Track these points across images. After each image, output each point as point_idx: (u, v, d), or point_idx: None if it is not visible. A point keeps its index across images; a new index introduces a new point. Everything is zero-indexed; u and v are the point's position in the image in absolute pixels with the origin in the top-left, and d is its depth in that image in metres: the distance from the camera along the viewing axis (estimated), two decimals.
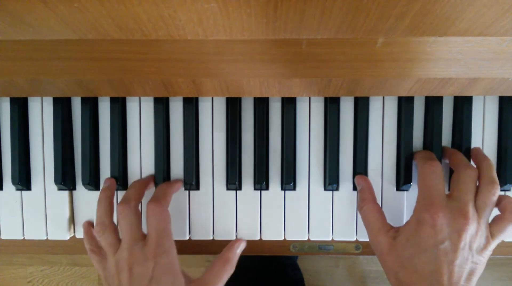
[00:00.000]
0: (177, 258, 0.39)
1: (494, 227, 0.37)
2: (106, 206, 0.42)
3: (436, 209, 0.36)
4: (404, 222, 0.44)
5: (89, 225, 0.44)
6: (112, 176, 0.44)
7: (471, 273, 0.36)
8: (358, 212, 0.43)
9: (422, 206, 0.37)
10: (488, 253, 0.36)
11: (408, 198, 0.43)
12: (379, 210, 0.40)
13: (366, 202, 0.41)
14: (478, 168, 0.39)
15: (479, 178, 0.39)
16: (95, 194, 0.44)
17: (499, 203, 0.38)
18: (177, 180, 0.43)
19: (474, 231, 0.35)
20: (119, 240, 0.40)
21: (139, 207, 0.42)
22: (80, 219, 0.45)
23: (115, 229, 0.41)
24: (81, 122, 0.43)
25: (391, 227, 0.39)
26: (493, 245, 0.37)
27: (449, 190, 0.40)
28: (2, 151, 0.44)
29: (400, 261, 0.37)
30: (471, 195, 0.37)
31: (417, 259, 0.36)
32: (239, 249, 0.42)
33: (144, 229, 0.41)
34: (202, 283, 0.39)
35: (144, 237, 0.40)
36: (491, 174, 0.38)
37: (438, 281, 0.35)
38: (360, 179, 0.42)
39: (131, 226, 0.39)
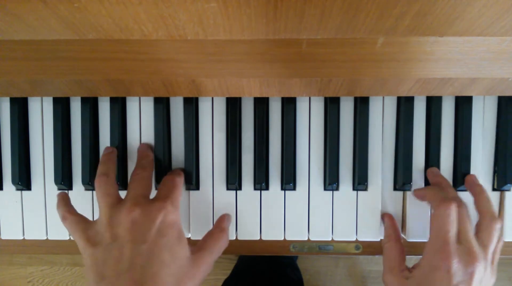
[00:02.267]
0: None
1: (482, 237, 0.38)
2: (110, 163, 0.40)
3: (450, 255, 0.36)
4: (403, 222, 0.44)
5: (65, 194, 0.41)
6: None
7: None
8: (358, 211, 0.43)
9: (435, 251, 0.37)
10: (493, 280, 0.38)
11: (408, 198, 0.43)
12: (401, 249, 0.41)
13: (389, 240, 0.42)
14: (475, 199, 0.40)
15: (478, 212, 0.40)
16: (95, 194, 0.44)
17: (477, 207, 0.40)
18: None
19: (483, 269, 0.36)
20: (119, 197, 0.38)
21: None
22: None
23: (116, 184, 0.39)
24: (81, 122, 0.43)
25: (406, 268, 0.40)
26: (495, 268, 0.38)
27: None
28: (2, 151, 0.44)
29: None
30: (472, 232, 0.38)
31: None
32: (229, 221, 0.43)
33: None
34: (202, 248, 0.38)
35: (151, 200, 0.37)
36: (491, 209, 0.39)
37: None
38: (386, 217, 0.43)
39: (142, 182, 0.38)
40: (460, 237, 0.37)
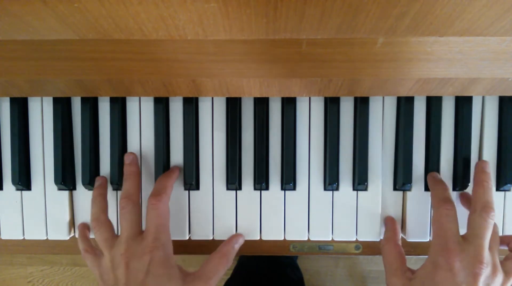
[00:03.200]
0: (173, 254, 0.40)
1: (509, 265, 0.38)
2: (101, 203, 0.42)
3: (452, 253, 0.36)
4: (403, 222, 0.44)
5: (84, 226, 0.44)
6: (111, 176, 0.44)
7: None
8: (358, 211, 0.43)
9: (438, 250, 0.37)
10: None
11: (408, 198, 0.43)
12: (400, 251, 0.41)
13: (388, 242, 0.42)
14: (475, 189, 0.39)
15: (474, 202, 0.39)
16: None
17: (509, 243, 0.40)
18: (174, 169, 0.43)
19: (489, 273, 0.36)
20: (114, 236, 0.41)
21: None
22: (80, 219, 0.45)
23: (110, 225, 0.41)
24: (81, 122, 0.43)
25: (408, 269, 0.40)
26: (509, 283, 0.37)
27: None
28: (2, 151, 0.44)
29: None
30: (487, 240, 0.37)
31: None
32: (238, 244, 0.43)
33: (143, 225, 0.41)
34: (198, 276, 0.39)
35: (142, 233, 0.40)
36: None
37: None
38: (388, 219, 0.43)
39: (131, 222, 0.40)
40: (470, 238, 0.37)
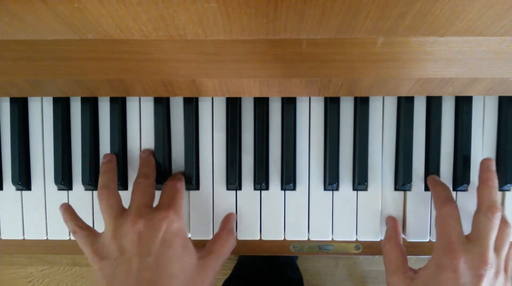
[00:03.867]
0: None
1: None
2: (111, 173, 0.40)
3: (457, 254, 0.35)
4: (403, 222, 0.44)
5: (69, 206, 0.41)
6: None
7: None
8: (358, 211, 0.43)
9: (442, 250, 0.37)
10: None
11: (408, 198, 0.43)
12: (401, 250, 0.41)
13: (389, 241, 0.41)
14: (480, 188, 0.39)
15: (480, 202, 0.39)
16: (95, 194, 0.44)
17: None
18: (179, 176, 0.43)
19: (493, 275, 0.36)
20: (122, 207, 0.38)
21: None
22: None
23: (119, 195, 0.39)
24: (81, 122, 0.43)
25: (410, 268, 0.40)
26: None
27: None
28: (2, 151, 0.44)
29: None
30: (492, 240, 0.36)
31: None
32: (234, 220, 0.43)
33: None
34: (210, 251, 0.39)
35: (154, 209, 0.38)
36: (504, 215, 0.38)
37: None
38: (390, 219, 0.43)
39: (145, 192, 0.38)
40: (475, 238, 0.37)
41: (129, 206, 0.38)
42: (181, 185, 0.41)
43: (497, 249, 0.37)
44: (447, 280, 0.35)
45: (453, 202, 0.39)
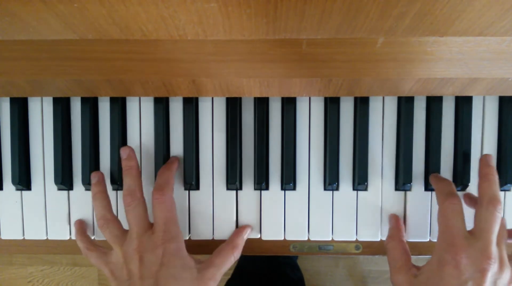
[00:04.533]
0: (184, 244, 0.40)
1: None
2: (103, 200, 0.41)
3: (459, 249, 0.35)
4: (404, 222, 0.44)
5: (81, 223, 0.44)
6: (112, 175, 0.44)
7: None
8: (357, 211, 0.43)
9: (444, 246, 0.36)
10: None
11: (408, 198, 0.43)
12: (405, 248, 0.40)
13: (393, 239, 0.41)
14: (481, 184, 0.39)
15: (480, 197, 0.38)
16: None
17: None
18: (173, 160, 0.43)
19: (497, 269, 0.35)
20: (124, 232, 0.41)
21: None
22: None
23: (118, 221, 0.41)
24: (81, 122, 0.43)
25: (413, 266, 0.39)
26: None
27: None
28: (2, 151, 0.44)
29: None
30: (495, 234, 0.36)
31: None
32: (247, 235, 0.43)
33: (151, 218, 0.41)
34: (211, 264, 0.40)
35: (151, 227, 0.40)
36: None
37: None
38: (393, 218, 0.43)
39: (139, 218, 0.40)
40: (477, 233, 0.36)
41: (129, 231, 0.40)
42: (170, 195, 0.41)
43: (499, 243, 0.36)
44: (449, 276, 0.35)
45: (456, 196, 0.38)
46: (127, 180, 0.41)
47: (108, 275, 0.40)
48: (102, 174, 0.43)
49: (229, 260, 0.41)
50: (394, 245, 0.41)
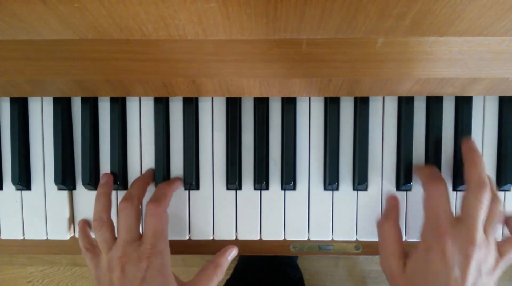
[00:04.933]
0: (170, 260, 0.39)
1: (505, 247, 0.37)
2: (105, 202, 0.42)
3: (444, 236, 0.35)
4: (404, 222, 0.44)
5: (85, 223, 0.44)
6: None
7: None
8: (358, 211, 0.43)
9: (430, 232, 0.36)
10: (498, 273, 0.36)
11: (408, 198, 0.43)
12: (399, 234, 0.40)
13: (387, 220, 0.40)
14: (466, 168, 0.38)
15: (466, 182, 0.38)
16: (95, 194, 0.44)
17: (508, 224, 0.38)
18: (176, 179, 0.43)
19: (482, 255, 0.35)
20: (114, 238, 0.41)
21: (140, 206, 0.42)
22: (80, 219, 0.44)
23: (112, 226, 0.41)
24: (81, 122, 0.43)
25: (405, 253, 0.39)
26: (503, 265, 0.36)
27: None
28: (2, 151, 0.44)
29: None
30: (480, 220, 0.35)
31: (426, 285, 0.35)
32: (231, 256, 0.42)
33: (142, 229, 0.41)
34: (194, 284, 0.39)
35: (140, 237, 0.40)
36: (493, 189, 0.38)
37: None
38: (391, 198, 0.42)
39: (130, 225, 0.40)
40: (464, 218, 0.36)
41: (117, 240, 0.40)
42: (163, 211, 0.40)
43: (487, 228, 0.36)
44: (435, 262, 0.35)
45: (442, 180, 0.37)
46: (131, 189, 0.41)
47: (94, 279, 0.40)
48: (112, 177, 0.43)
49: (212, 280, 0.40)
50: (388, 228, 0.40)
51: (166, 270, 0.38)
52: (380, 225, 0.41)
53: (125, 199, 0.40)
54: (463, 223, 0.36)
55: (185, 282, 0.40)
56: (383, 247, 0.40)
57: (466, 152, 0.39)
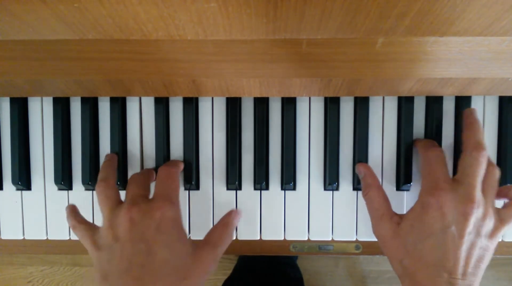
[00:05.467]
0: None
1: (506, 212, 0.36)
2: (110, 169, 0.40)
3: (442, 192, 0.34)
4: None
5: (73, 206, 0.41)
6: None
7: (479, 260, 0.34)
8: (358, 211, 0.43)
9: (427, 190, 0.36)
10: (497, 239, 0.35)
11: (409, 198, 0.43)
12: (384, 196, 0.39)
13: (371, 188, 0.40)
14: (464, 130, 0.38)
15: (463, 143, 0.38)
16: (95, 194, 0.44)
17: (507, 194, 0.38)
18: (178, 161, 0.43)
19: (481, 215, 0.34)
20: (119, 199, 0.38)
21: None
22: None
23: (117, 189, 0.39)
24: (81, 122, 0.43)
25: (395, 213, 0.38)
26: (502, 231, 0.35)
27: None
28: (2, 151, 0.44)
29: (404, 248, 0.36)
30: (479, 179, 0.35)
31: (422, 244, 0.35)
32: (236, 218, 0.40)
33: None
34: (206, 242, 0.37)
35: (149, 200, 0.37)
36: (489, 158, 0.37)
37: (444, 267, 0.33)
38: (361, 166, 0.41)
39: (140, 183, 0.38)
40: (461, 178, 0.36)
41: (125, 198, 0.38)
42: (176, 171, 0.40)
43: (485, 192, 0.35)
44: (432, 219, 0.34)
45: (438, 147, 0.38)
46: (138, 174, 0.41)
47: (90, 249, 0.36)
48: (116, 155, 0.42)
49: (223, 239, 0.38)
50: (374, 194, 0.39)
51: (180, 222, 0.37)
52: (366, 194, 0.40)
53: (132, 176, 0.39)
54: (461, 182, 0.35)
55: (196, 240, 0.39)
56: (373, 212, 0.39)
57: (466, 117, 0.39)
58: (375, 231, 0.39)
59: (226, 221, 0.40)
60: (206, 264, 0.36)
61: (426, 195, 0.36)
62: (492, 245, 0.35)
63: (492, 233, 0.35)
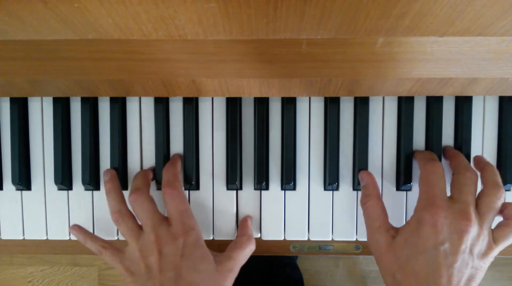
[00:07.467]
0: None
1: (498, 232, 0.36)
2: (117, 195, 0.41)
3: (437, 209, 0.35)
4: (405, 222, 0.44)
5: (80, 227, 0.43)
6: None
7: (470, 279, 0.35)
8: (358, 211, 0.43)
9: (423, 206, 0.36)
10: (489, 259, 0.36)
11: (409, 198, 0.43)
12: (383, 207, 0.40)
13: (370, 198, 0.40)
14: (482, 172, 0.39)
15: (482, 182, 0.39)
16: (95, 194, 0.44)
17: (503, 210, 0.38)
18: (175, 157, 0.43)
19: (475, 234, 0.35)
20: (139, 226, 0.40)
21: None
22: (80, 219, 0.44)
23: (132, 215, 0.41)
24: (81, 122, 0.43)
25: (392, 226, 0.39)
26: (495, 251, 0.36)
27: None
28: (2, 151, 0.44)
29: (397, 262, 0.36)
30: (472, 197, 0.36)
31: (415, 260, 0.35)
32: (251, 224, 0.43)
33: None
34: (228, 257, 0.40)
35: (165, 219, 0.40)
36: (496, 178, 0.38)
37: (435, 284, 0.34)
38: (364, 174, 0.41)
39: (150, 211, 0.39)
40: (456, 196, 0.36)
41: (143, 225, 0.39)
42: (180, 192, 0.40)
43: (485, 212, 0.36)
44: (427, 235, 0.35)
45: (437, 161, 0.38)
46: (136, 182, 0.41)
47: (123, 272, 0.39)
48: (114, 171, 0.43)
49: (246, 253, 0.41)
50: (373, 204, 0.39)
51: (201, 243, 0.39)
52: (365, 203, 0.40)
53: (133, 192, 0.40)
54: (456, 200, 0.36)
55: (219, 253, 0.40)
56: (369, 223, 0.39)
57: (447, 151, 0.42)
58: (370, 242, 0.39)
59: (250, 234, 0.42)
60: (230, 277, 0.39)
61: (422, 210, 0.36)
62: (485, 264, 0.36)
63: (485, 253, 0.35)
